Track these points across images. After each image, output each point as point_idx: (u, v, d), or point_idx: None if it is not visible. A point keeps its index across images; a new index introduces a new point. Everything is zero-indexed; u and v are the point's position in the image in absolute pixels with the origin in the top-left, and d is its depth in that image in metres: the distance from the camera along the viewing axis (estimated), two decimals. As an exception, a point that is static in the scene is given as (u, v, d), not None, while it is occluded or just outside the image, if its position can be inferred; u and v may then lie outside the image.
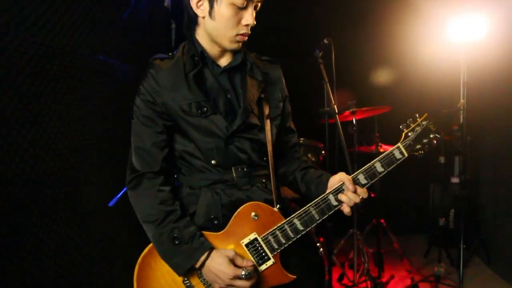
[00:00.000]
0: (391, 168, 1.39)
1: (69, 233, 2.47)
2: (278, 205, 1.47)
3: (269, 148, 1.49)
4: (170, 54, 1.49)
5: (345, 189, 1.37)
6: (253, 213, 1.42)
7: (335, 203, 1.39)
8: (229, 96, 1.47)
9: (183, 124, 1.42)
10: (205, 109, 1.40)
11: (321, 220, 1.40)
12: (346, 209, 1.38)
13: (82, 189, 2.73)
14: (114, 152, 3.02)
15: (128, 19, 3.41)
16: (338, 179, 1.40)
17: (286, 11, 3.56)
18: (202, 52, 1.45)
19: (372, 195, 3.43)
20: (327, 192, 1.40)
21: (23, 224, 2.17)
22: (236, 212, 1.42)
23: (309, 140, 3.07)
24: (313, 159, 3.02)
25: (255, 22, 1.38)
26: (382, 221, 3.57)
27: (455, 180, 4.02)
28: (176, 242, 1.36)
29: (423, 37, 3.72)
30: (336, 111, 2.45)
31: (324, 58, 2.60)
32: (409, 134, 1.42)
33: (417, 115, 1.45)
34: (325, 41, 2.53)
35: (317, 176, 1.51)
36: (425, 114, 1.44)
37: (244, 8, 1.35)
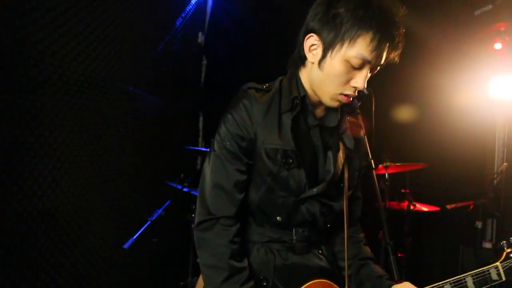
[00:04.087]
0: None
1: (77, 269, 2.35)
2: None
3: (346, 214, 1.32)
4: (265, 86, 1.33)
5: None
6: None
7: None
8: (316, 152, 1.32)
9: (261, 166, 1.26)
10: (290, 160, 1.25)
11: None
12: None
13: (105, 222, 2.63)
14: (134, 184, 2.95)
15: (161, 53, 3.41)
16: None
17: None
18: (305, 97, 1.30)
19: (400, 255, 3.22)
20: None
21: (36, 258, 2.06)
22: (306, 286, 1.27)
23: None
24: (341, 212, 2.86)
25: (365, 87, 1.24)
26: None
27: (487, 245, 3.76)
28: None
29: (464, 92, 3.60)
30: (373, 165, 2.32)
31: (362, 109, 2.49)
32: (511, 255, 1.28)
33: None
34: (365, 91, 2.43)
35: (376, 276, 1.36)
36: None
37: (358, 68, 1.20)
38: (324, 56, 1.21)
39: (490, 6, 3.60)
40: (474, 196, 3.28)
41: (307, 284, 1.27)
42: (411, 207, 3.04)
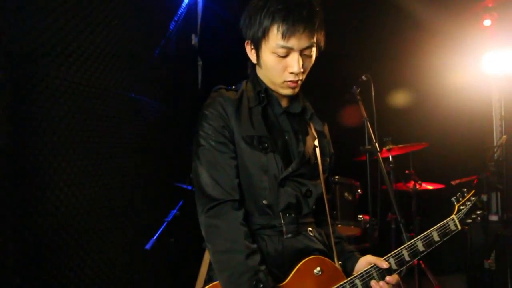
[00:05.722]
0: (445, 239, 1.47)
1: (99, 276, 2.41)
2: (340, 262, 1.41)
3: (325, 196, 1.45)
4: (233, 87, 1.48)
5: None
6: (317, 268, 1.34)
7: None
8: (287, 138, 1.44)
9: (242, 156, 1.37)
10: (266, 145, 1.37)
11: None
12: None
13: (116, 226, 2.68)
14: (145, 188, 2.99)
15: (158, 57, 3.45)
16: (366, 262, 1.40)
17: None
18: (267, 89, 1.44)
19: (410, 234, 3.28)
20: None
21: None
22: (299, 266, 1.33)
23: (344, 178, 2.98)
24: (349, 198, 2.92)
25: (301, 69, 1.34)
26: (421, 262, 3.40)
27: (493, 217, 3.84)
28: (261, 286, 1.24)
29: (457, 71, 3.67)
30: (378, 149, 2.38)
31: (362, 94, 2.55)
32: (461, 207, 1.53)
33: (465, 190, 1.57)
34: (364, 77, 2.49)
35: (348, 251, 1.50)
36: (473, 191, 1.57)
37: (286, 56, 1.33)
38: (257, 55, 1.39)
39: (476, -17, 3.66)
40: (477, 170, 3.35)
41: (301, 263, 1.32)
42: (417, 187, 3.11)
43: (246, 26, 1.39)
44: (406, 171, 3.30)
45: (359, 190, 2.99)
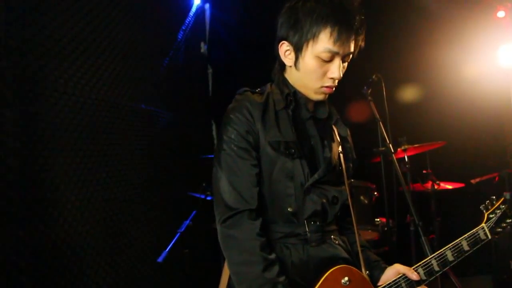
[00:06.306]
0: (475, 248, 1.46)
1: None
2: (367, 272, 1.38)
3: (350, 202, 1.42)
4: (258, 89, 1.45)
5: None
6: (345, 278, 1.30)
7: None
8: (312, 143, 1.42)
9: (267, 161, 1.34)
10: (292, 151, 1.33)
11: None
12: None
13: (128, 238, 2.68)
14: (157, 200, 2.99)
15: (167, 67, 3.46)
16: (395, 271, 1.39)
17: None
18: (295, 93, 1.42)
19: (430, 236, 3.19)
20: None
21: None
22: (326, 275, 1.29)
23: (360, 181, 2.91)
24: (365, 201, 2.86)
25: (341, 75, 1.35)
26: (443, 264, 3.29)
27: (518, 216, 3.70)
28: None
29: (472, 65, 3.56)
30: (392, 150, 2.31)
31: (372, 95, 2.49)
32: (491, 216, 1.51)
33: (494, 197, 1.55)
34: (374, 77, 2.43)
35: (373, 261, 1.47)
36: (502, 199, 1.54)
37: (329, 61, 1.33)
38: (297, 57, 1.36)
39: (489, -26, 3.57)
40: (498, 167, 3.24)
41: (328, 272, 1.29)
42: (435, 187, 3.02)
43: (289, 27, 1.36)
44: (424, 171, 3.21)
45: (375, 193, 2.92)
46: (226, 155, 1.34)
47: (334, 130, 1.49)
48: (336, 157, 1.43)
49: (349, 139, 1.56)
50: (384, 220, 2.87)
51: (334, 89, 1.39)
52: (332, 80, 1.36)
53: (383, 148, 2.35)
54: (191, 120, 3.79)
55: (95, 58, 2.49)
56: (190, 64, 3.93)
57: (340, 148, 1.47)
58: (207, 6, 4.38)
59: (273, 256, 1.27)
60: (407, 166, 2.91)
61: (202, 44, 4.36)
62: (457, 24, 3.58)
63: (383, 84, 2.41)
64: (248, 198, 1.30)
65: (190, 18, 4.04)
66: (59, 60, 2.20)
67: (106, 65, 2.58)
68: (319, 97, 1.40)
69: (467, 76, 3.53)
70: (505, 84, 3.64)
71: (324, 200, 1.36)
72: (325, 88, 1.37)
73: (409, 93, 3.72)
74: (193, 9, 4.10)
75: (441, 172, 3.30)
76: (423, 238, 2.11)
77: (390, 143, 2.32)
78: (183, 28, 3.89)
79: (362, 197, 2.86)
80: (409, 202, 2.22)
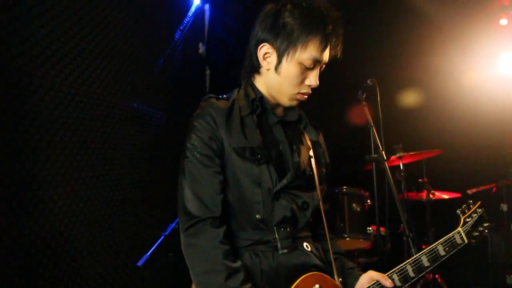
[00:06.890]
0: (451, 253, 1.41)
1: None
2: (340, 279, 1.35)
3: (322, 208, 1.40)
4: (224, 96, 1.44)
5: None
6: (316, 286, 1.27)
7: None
8: (281, 148, 1.39)
9: (233, 168, 1.32)
10: (259, 156, 1.32)
11: None
12: None
13: (113, 239, 2.63)
14: (148, 201, 2.94)
15: (162, 67, 3.42)
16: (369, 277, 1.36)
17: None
18: (262, 98, 1.41)
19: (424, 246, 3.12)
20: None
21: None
22: (296, 283, 1.26)
23: (353, 188, 2.85)
24: (358, 209, 2.79)
25: (318, 84, 1.37)
26: (437, 276, 3.23)
27: (516, 228, 3.63)
28: None
29: (472, 72, 3.51)
30: (385, 157, 2.25)
31: (367, 100, 2.43)
32: (467, 220, 1.48)
33: (470, 202, 1.53)
34: (369, 82, 2.37)
35: (348, 268, 1.44)
36: (478, 202, 1.53)
37: (310, 69, 1.34)
38: (279, 61, 1.34)
39: (492, -19, 3.52)
40: (496, 178, 3.17)
41: (299, 280, 1.26)
42: (431, 196, 2.96)
43: (274, 30, 1.34)
44: (419, 180, 3.15)
45: (368, 201, 2.86)
46: (189, 163, 1.33)
47: (304, 135, 1.48)
48: (306, 161, 1.41)
49: (322, 143, 1.54)
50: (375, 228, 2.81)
51: (307, 96, 1.40)
52: (308, 87, 1.37)
53: (376, 155, 2.29)
54: (186, 121, 3.75)
55: (87, 54, 2.45)
56: (187, 64, 3.89)
57: (311, 153, 1.46)
58: (206, 6, 4.34)
59: (237, 264, 1.24)
60: (401, 174, 2.86)
61: (200, 45, 4.33)
62: (458, 30, 3.53)
63: (377, 90, 2.35)
64: (211, 206, 1.28)
65: (188, 18, 4.00)
66: (46, 56, 2.16)
67: (97, 63, 2.54)
68: (292, 103, 1.40)
69: (467, 83, 3.48)
70: (505, 92, 3.58)
71: (294, 206, 1.34)
72: (300, 95, 1.38)
73: (407, 99, 3.66)
74: (192, 9, 4.07)
75: (438, 181, 3.24)
76: (412, 250, 2.06)
77: (383, 150, 2.26)
78: (181, 28, 3.85)
79: (354, 205, 2.80)
80: (400, 213, 2.17)
